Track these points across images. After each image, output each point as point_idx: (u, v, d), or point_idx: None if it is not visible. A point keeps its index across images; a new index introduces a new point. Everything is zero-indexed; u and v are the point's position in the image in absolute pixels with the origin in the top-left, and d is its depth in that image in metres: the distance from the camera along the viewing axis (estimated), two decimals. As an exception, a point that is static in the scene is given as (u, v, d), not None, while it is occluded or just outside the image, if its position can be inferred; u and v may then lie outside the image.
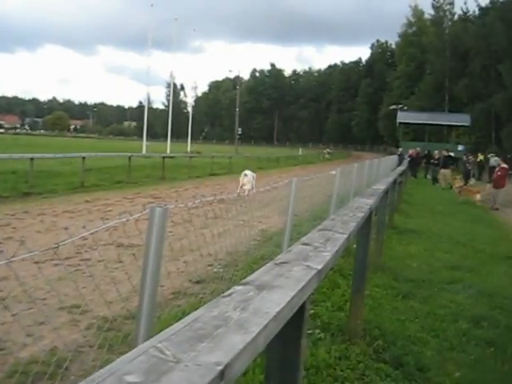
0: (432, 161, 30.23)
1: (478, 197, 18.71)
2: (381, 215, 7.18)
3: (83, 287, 4.41)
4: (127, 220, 2.43)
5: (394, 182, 10.47)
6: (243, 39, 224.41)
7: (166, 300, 4.93)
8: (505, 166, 19.27)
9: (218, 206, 11.82)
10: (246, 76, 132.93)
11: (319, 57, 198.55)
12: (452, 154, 43.52)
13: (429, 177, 30.20)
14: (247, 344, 1.04)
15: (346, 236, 2.36)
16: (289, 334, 1.65)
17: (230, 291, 1.39)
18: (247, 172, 15.95)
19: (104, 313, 4.23)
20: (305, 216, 8.38)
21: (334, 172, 8.15)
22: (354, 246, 4.93)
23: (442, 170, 26.62)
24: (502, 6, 56.04)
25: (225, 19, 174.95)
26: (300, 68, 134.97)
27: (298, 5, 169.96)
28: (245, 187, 14.65)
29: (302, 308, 1.61)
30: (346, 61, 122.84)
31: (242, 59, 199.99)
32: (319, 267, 1.77)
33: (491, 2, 62.33)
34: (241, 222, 6.13)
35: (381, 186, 6.33)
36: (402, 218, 11.85)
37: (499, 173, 18.91)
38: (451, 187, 23.45)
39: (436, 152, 30.40)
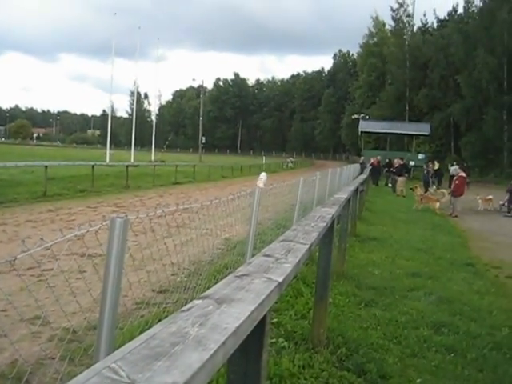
0: (391, 169, 30.72)
1: (438, 205, 19.09)
2: (343, 223, 7.24)
3: (45, 297, 4.30)
4: (87, 231, 2.37)
5: (356, 190, 10.58)
6: (206, 48, 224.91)
7: (129, 310, 4.84)
8: (463, 174, 19.72)
9: (181, 215, 11.66)
10: (209, 85, 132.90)
11: (281, 66, 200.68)
12: (412, 162, 44.67)
13: (389, 185, 30.67)
14: (205, 362, 1.02)
15: (307, 246, 2.36)
16: (250, 347, 1.63)
17: (188, 306, 1.36)
18: (262, 174, 16.26)
19: (66, 324, 4.13)
20: (268, 224, 8.38)
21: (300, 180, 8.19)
22: (317, 253, 4.95)
23: (397, 178, 27.04)
24: (460, 19, 57.79)
25: (188, 28, 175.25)
26: (263, 77, 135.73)
27: (259, 15, 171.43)
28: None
29: (262, 321, 1.59)
30: (309, 70, 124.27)
31: (205, 68, 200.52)
32: (280, 279, 1.75)
33: (449, 15, 64.18)
34: (204, 231, 6.08)
35: (343, 195, 6.39)
36: (364, 226, 11.99)
37: (457, 181, 19.34)
38: (404, 196, 24.04)
39: (396, 160, 30.90)
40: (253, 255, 6.02)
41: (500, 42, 46.16)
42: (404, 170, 28.21)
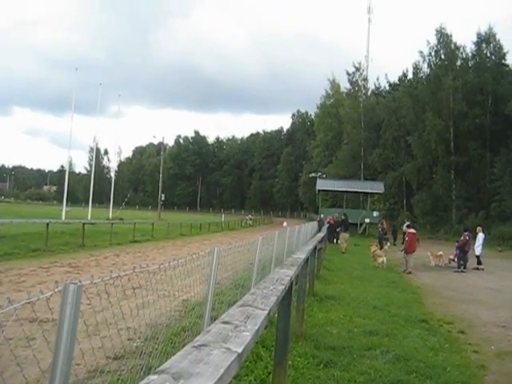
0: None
1: (380, 260, 19.44)
2: (301, 284, 7.23)
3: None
4: (37, 299, 2.29)
5: (314, 249, 10.64)
6: (164, 105, 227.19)
7: (81, 380, 4.63)
8: (412, 231, 20.13)
9: (138, 276, 11.38)
10: (170, 142, 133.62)
11: (237, 124, 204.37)
12: (367, 219, 45.49)
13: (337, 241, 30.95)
14: None
15: (266, 312, 2.34)
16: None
17: (144, 382, 1.32)
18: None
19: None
20: (227, 284, 8.28)
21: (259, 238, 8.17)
22: (276, 315, 4.91)
23: (341, 234, 27.24)
24: (409, 84, 60.55)
25: (145, 85, 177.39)
26: (219, 134, 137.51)
27: (215, 74, 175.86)
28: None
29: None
30: (268, 129, 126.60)
31: (163, 125, 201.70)
32: (239, 350, 1.72)
33: (400, 80, 67.22)
34: (162, 293, 5.96)
35: (301, 255, 6.41)
36: (321, 285, 12.00)
37: (407, 238, 19.75)
38: (343, 252, 24.46)
39: (335, 216, 31.32)
40: (211, 317, 5.92)
41: (446, 106, 48.45)
42: (343, 226, 28.34)
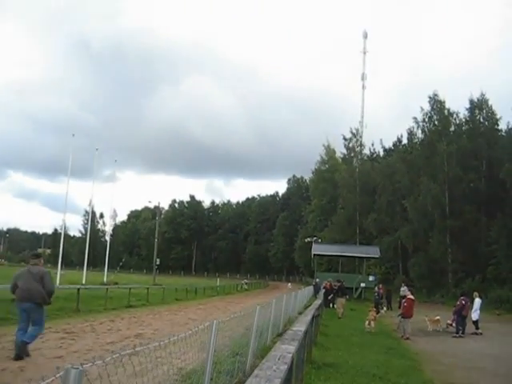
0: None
1: (367, 323, 19.33)
2: (300, 353, 7.14)
3: None
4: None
5: (313, 318, 10.56)
6: (156, 170, 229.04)
7: None
8: (411, 297, 19.97)
9: (134, 341, 11.22)
10: (165, 206, 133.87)
11: (229, 190, 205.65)
12: (363, 284, 45.21)
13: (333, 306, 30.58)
14: None
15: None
16: None
17: None
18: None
19: None
20: (224, 352, 8.16)
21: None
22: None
23: (338, 299, 26.86)
24: (404, 149, 61.76)
25: (137, 150, 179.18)
26: (216, 200, 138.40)
27: (205, 139, 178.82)
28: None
29: None
30: (263, 194, 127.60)
31: (158, 190, 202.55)
32: None
33: (394, 145, 68.56)
34: (159, 359, 5.87)
35: (301, 327, 6.35)
36: (319, 352, 11.79)
37: (405, 304, 19.57)
38: (340, 317, 24.14)
39: (327, 282, 30.99)
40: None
41: (441, 171, 49.17)
42: (340, 291, 28.00)
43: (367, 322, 19.45)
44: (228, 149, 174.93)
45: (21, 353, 9.27)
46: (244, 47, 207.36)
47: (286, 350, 3.99)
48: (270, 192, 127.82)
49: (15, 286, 10.12)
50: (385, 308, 28.25)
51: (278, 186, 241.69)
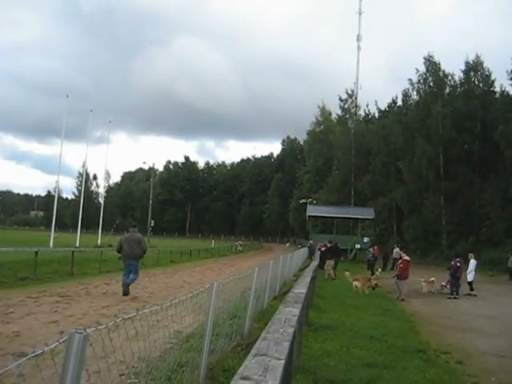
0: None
1: (355, 283, 19.65)
2: (300, 316, 7.10)
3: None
4: (42, 352, 2.17)
5: (311, 280, 10.55)
6: (147, 131, 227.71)
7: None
8: (407, 258, 20.05)
9: (130, 305, 11.14)
10: (159, 167, 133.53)
11: (221, 151, 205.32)
12: (358, 245, 45.54)
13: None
14: None
15: (283, 362, 2.26)
16: None
17: None
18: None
19: None
20: (222, 315, 8.13)
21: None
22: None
23: (327, 261, 26.77)
24: (398, 110, 61.26)
25: (128, 112, 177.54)
26: (211, 161, 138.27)
27: (196, 101, 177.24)
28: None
29: None
30: (257, 155, 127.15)
31: (150, 151, 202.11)
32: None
33: (389, 106, 67.99)
34: (154, 323, 5.79)
35: (302, 290, 6.28)
36: (316, 314, 11.83)
37: (401, 265, 19.68)
38: (334, 278, 24.32)
39: (323, 243, 30.81)
40: (211, 350, 5.78)
41: (436, 133, 49.04)
42: (329, 253, 27.84)
43: (354, 285, 19.76)
44: (219, 110, 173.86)
45: (127, 291, 13.87)
46: (236, 8, 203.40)
47: (291, 312, 3.91)
48: (265, 153, 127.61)
49: (120, 247, 14.55)
50: (380, 270, 28.45)
51: (272, 148, 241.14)
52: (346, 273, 22.93)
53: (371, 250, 33.68)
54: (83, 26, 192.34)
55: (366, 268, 31.10)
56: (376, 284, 20.07)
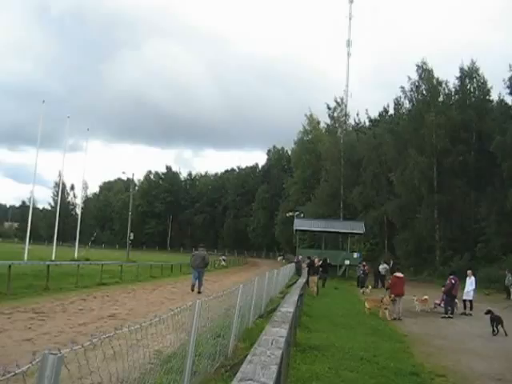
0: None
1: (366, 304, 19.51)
2: (287, 337, 7.04)
3: None
4: (14, 374, 2.09)
5: (298, 298, 10.49)
6: (122, 139, 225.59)
7: None
8: (397, 274, 19.92)
9: (108, 323, 11.04)
10: (139, 177, 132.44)
11: (198, 160, 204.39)
12: (347, 261, 45.46)
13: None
14: None
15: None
16: None
17: None
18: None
19: None
20: (204, 335, 8.03)
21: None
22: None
23: (310, 277, 26.64)
24: (390, 119, 61.47)
25: (101, 119, 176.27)
26: (190, 171, 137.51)
27: (172, 108, 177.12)
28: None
29: None
30: (242, 165, 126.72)
31: (126, 160, 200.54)
32: None
33: (380, 115, 68.27)
34: (134, 342, 5.69)
35: (290, 308, 6.22)
36: (304, 334, 11.77)
37: (389, 281, 19.61)
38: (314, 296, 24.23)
39: (311, 258, 30.81)
40: (193, 371, 5.69)
41: (429, 143, 49.02)
42: (312, 270, 27.72)
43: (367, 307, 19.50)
44: (197, 118, 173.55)
45: (194, 289, 21.34)
46: (214, 11, 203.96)
47: (278, 333, 3.85)
48: (248, 164, 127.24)
49: (192, 261, 22.50)
50: (370, 286, 28.50)
51: (256, 158, 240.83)
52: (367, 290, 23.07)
53: (361, 266, 33.74)
54: (54, 29, 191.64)
55: (356, 285, 31.09)
56: (386, 308, 19.05)
